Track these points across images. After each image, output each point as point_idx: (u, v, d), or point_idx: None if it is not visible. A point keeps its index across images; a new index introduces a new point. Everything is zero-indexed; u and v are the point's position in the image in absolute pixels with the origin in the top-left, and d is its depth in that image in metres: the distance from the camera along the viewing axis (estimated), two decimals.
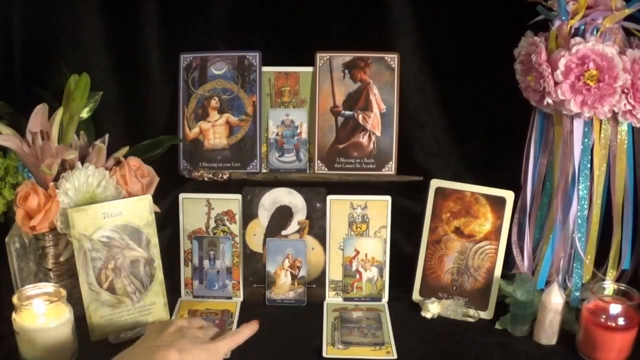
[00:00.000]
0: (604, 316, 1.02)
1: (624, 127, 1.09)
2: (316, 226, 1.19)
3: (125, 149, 1.13)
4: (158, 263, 1.11)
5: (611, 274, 1.17)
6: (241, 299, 1.20)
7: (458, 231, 1.18)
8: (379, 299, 1.20)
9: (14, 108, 1.15)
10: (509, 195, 1.15)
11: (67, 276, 1.10)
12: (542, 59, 1.04)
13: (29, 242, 1.11)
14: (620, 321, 1.01)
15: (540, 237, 1.20)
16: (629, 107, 1.03)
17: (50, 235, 1.08)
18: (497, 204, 1.16)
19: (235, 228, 1.20)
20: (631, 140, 1.11)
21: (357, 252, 1.20)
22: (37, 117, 1.07)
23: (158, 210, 1.13)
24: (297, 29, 1.27)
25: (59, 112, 1.07)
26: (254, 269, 1.20)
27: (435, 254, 1.19)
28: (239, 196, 1.19)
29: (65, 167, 1.08)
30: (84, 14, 1.24)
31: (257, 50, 1.27)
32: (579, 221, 1.11)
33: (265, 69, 1.28)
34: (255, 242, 1.20)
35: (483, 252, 1.17)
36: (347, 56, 1.27)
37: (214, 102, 1.28)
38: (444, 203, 1.18)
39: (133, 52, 1.27)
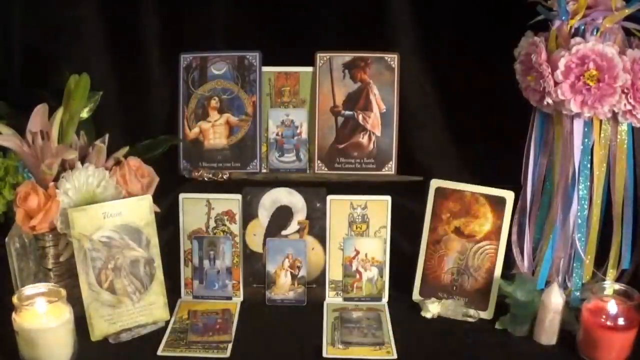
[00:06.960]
0: (604, 316, 1.02)
1: (624, 127, 1.09)
2: (316, 226, 1.19)
3: (125, 149, 1.13)
4: (158, 263, 1.11)
5: (611, 274, 1.17)
6: (241, 299, 1.20)
7: (458, 231, 1.18)
8: (379, 299, 1.20)
9: (14, 108, 1.15)
10: (509, 195, 1.15)
11: (67, 276, 1.10)
12: (542, 59, 1.03)
13: (29, 242, 1.11)
14: (620, 321, 1.01)
15: (540, 237, 1.20)
16: (629, 107, 1.03)
17: (50, 235, 1.08)
18: (497, 204, 1.16)
19: (235, 228, 1.20)
20: (631, 140, 1.11)
21: (357, 252, 1.20)
22: (37, 117, 1.07)
23: (158, 210, 1.13)
24: (297, 29, 1.27)
25: (59, 112, 1.07)
26: (254, 269, 1.20)
27: (435, 254, 1.19)
28: (239, 196, 1.19)
29: (65, 167, 1.08)
30: (84, 14, 1.25)
31: (257, 50, 1.27)
32: (579, 221, 1.11)
33: (265, 69, 1.28)
34: (255, 242, 1.20)
35: (483, 252, 1.17)
36: (347, 56, 1.27)
37: (214, 102, 1.28)
38: (444, 203, 1.18)
39: (133, 52, 1.27)
